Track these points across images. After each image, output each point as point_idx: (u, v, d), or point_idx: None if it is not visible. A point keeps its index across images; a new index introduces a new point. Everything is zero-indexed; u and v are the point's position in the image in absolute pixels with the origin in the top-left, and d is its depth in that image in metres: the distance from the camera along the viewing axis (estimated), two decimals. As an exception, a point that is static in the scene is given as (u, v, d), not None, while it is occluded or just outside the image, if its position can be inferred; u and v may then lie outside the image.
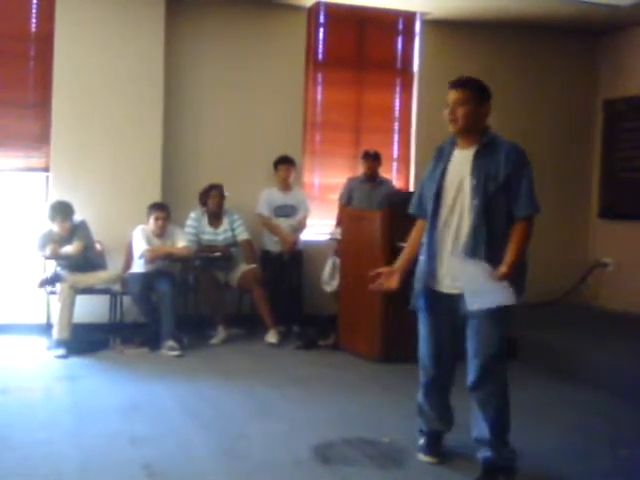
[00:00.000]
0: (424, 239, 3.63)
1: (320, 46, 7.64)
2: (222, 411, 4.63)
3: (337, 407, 4.79)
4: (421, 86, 7.88)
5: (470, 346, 3.52)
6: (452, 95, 3.47)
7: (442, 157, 3.58)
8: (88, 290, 6.27)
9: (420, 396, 3.86)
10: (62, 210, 6.17)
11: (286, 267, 7.07)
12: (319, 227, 7.51)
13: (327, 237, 7.08)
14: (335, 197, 7.43)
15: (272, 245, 7.13)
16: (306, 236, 7.37)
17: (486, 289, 3.38)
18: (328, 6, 7.50)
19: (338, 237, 6.69)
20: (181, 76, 7.11)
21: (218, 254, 6.75)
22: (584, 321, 7.21)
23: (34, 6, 6.71)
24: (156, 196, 6.75)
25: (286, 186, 7.20)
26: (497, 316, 3.40)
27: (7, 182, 6.79)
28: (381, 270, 3.83)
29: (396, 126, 8.00)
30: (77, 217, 6.27)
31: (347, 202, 7.19)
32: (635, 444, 4.23)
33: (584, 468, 3.81)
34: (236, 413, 4.61)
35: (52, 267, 6.36)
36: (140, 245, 6.35)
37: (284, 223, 7.13)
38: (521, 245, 3.39)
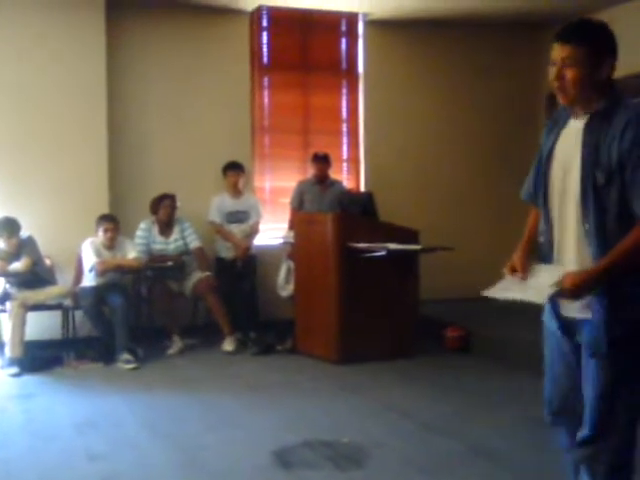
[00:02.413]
0: (540, 237, 2.67)
1: (264, 50, 7.62)
2: (180, 422, 4.59)
3: (296, 411, 4.78)
4: (367, 86, 7.91)
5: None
6: (557, 51, 2.42)
7: (555, 128, 2.60)
8: (39, 306, 6.17)
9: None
10: (8, 226, 6.06)
11: (240, 273, 7.03)
12: (272, 231, 7.48)
13: (280, 241, 7.06)
14: (286, 200, 7.41)
15: (225, 252, 7.09)
16: (259, 241, 7.34)
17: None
18: (270, 9, 7.48)
19: (291, 240, 6.68)
20: (125, 85, 7.03)
21: (170, 264, 6.68)
22: (535, 311, 7.29)
23: (-30, 20, 6.59)
24: (104, 208, 6.65)
25: (236, 192, 7.17)
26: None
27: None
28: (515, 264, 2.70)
29: (344, 127, 8.02)
30: (24, 233, 6.16)
31: (299, 205, 7.19)
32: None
33: (539, 457, 3.85)
34: (195, 423, 4.56)
35: (1, 285, 6.25)
36: (90, 258, 6.26)
37: (236, 229, 7.10)
38: (624, 250, 2.35)
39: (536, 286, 2.55)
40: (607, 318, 2.40)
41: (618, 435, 2.47)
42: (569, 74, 2.41)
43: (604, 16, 7.38)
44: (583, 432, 2.51)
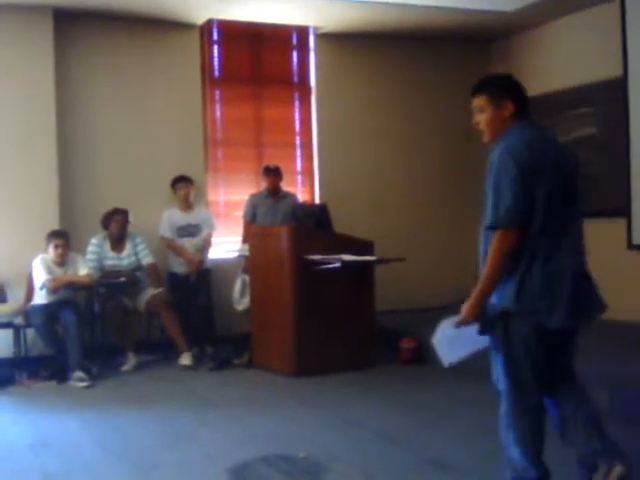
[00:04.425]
0: None
1: (216, 63, 7.61)
2: (135, 441, 4.52)
3: (253, 426, 4.75)
4: (319, 99, 7.94)
5: None
6: (473, 103, 3.07)
7: None
8: (-11, 325, 6.07)
9: None
10: (-45, 244, 5.95)
11: (194, 288, 6.98)
12: (226, 245, 7.45)
13: (235, 254, 7.03)
14: (240, 214, 7.38)
15: (178, 267, 7.03)
16: (214, 255, 7.30)
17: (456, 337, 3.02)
18: (221, 23, 7.46)
19: (246, 254, 6.66)
20: (75, 100, 6.95)
21: (123, 279, 6.60)
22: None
23: None
24: (55, 224, 6.55)
25: (187, 205, 7.12)
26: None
27: None
28: None
29: (297, 140, 8.03)
30: (-28, 251, 6.06)
31: (252, 218, 7.16)
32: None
33: (495, 466, 3.87)
34: (149, 442, 4.50)
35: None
36: (40, 275, 6.16)
37: (188, 243, 7.04)
38: (485, 274, 2.89)
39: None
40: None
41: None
42: (480, 118, 3.04)
43: (544, 30, 7.60)
44: None
